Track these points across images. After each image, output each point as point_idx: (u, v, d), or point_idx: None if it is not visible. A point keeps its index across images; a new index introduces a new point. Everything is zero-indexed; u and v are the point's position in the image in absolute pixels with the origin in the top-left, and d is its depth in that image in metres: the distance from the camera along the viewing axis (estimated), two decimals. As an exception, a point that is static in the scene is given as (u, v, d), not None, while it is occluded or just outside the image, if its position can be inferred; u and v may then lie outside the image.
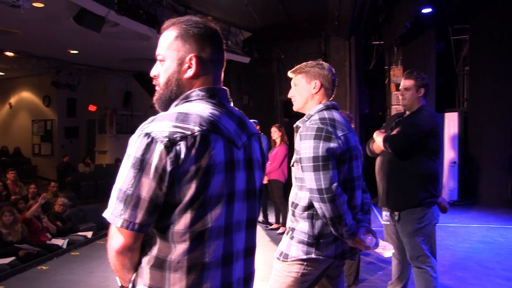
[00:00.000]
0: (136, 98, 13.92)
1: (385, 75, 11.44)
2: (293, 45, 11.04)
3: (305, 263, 2.27)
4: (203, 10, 8.67)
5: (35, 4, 6.66)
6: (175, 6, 8.52)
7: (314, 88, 2.39)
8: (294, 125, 2.44)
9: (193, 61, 1.39)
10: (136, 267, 1.33)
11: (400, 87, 3.51)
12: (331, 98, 2.46)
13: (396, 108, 10.34)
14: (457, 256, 5.72)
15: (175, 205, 1.25)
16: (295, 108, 2.51)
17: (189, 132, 1.24)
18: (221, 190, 1.29)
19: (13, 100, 15.35)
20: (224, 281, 1.33)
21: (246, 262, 1.43)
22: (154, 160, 1.21)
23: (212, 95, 1.40)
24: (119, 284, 1.40)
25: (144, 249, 1.31)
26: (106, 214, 1.26)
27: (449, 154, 10.26)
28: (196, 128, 1.25)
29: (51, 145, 14.39)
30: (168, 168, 1.21)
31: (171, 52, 1.40)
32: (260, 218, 8.17)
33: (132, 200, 1.22)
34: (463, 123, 10.43)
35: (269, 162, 7.46)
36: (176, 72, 1.40)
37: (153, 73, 1.45)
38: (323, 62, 2.46)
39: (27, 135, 14.86)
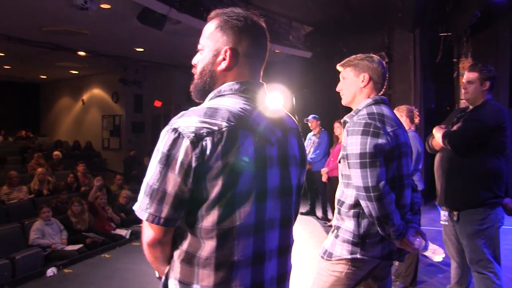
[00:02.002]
0: (200, 94, 14.13)
1: (453, 68, 10.88)
2: (356, 39, 10.75)
3: (349, 263, 2.21)
4: (263, 5, 8.67)
5: (102, 6, 6.96)
6: (236, 2, 8.58)
7: (362, 81, 2.31)
8: (342, 120, 2.37)
9: (228, 54, 1.37)
10: (169, 260, 1.34)
11: (463, 80, 3.32)
12: (381, 92, 2.36)
13: (465, 102, 9.84)
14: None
15: (203, 201, 1.24)
16: (343, 103, 2.44)
17: (216, 128, 1.22)
18: (251, 187, 1.27)
19: (85, 97, 16.15)
20: (255, 280, 1.30)
21: (280, 261, 1.39)
22: (180, 155, 1.21)
23: (246, 89, 1.37)
24: (157, 275, 1.43)
25: (175, 243, 1.33)
26: (135, 207, 1.28)
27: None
28: (224, 124, 1.23)
29: (119, 140, 14.99)
30: (194, 163, 1.20)
31: (209, 42, 1.40)
32: (320, 214, 8.10)
33: (157, 195, 1.23)
34: (539, 119, 9.71)
35: (331, 159, 7.36)
36: (210, 63, 1.39)
37: (193, 61, 1.46)
38: (373, 55, 2.36)
39: (98, 130, 15.56)
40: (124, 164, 12.97)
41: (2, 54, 11.53)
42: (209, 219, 1.24)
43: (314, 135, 8.15)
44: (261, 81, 1.45)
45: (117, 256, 6.02)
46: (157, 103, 14.29)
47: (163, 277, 1.36)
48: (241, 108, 1.30)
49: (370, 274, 2.32)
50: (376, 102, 2.27)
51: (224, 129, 1.23)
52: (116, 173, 11.12)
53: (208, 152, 1.20)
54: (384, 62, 2.37)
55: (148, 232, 1.30)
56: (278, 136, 1.38)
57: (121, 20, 7.98)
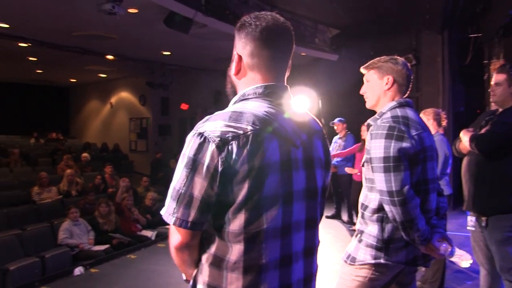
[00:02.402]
0: (226, 97, 14.19)
1: (483, 70, 10.63)
2: (382, 41, 10.61)
3: (373, 268, 2.18)
4: (289, 9, 8.66)
5: (130, 10, 7.09)
6: (261, 5, 8.59)
7: (386, 84, 2.28)
8: (366, 123, 2.35)
9: (235, 58, 1.40)
10: (196, 263, 1.35)
11: (491, 82, 3.24)
12: (406, 95, 2.32)
13: (495, 105, 9.59)
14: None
15: (229, 205, 1.24)
16: (367, 106, 2.41)
17: (241, 132, 1.23)
18: (277, 190, 1.26)
19: (113, 99, 16.43)
20: (282, 282, 1.30)
21: (306, 263, 1.39)
22: (206, 160, 1.21)
23: (271, 93, 1.37)
24: (184, 278, 1.44)
25: (203, 247, 1.33)
26: (162, 212, 1.29)
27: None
28: (249, 127, 1.24)
29: (146, 142, 15.19)
30: (220, 167, 1.21)
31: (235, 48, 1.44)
32: (345, 218, 8.02)
33: (184, 199, 1.24)
34: None
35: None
36: (231, 68, 1.43)
37: None
38: (397, 57, 2.33)
39: (125, 133, 15.81)
40: (150, 166, 13.13)
41: (35, 59, 11.85)
42: (236, 223, 1.25)
43: (340, 138, 8.10)
44: (285, 84, 1.44)
45: (142, 257, 6.10)
46: (184, 106, 14.42)
47: (191, 280, 1.37)
48: (265, 111, 1.30)
49: (394, 280, 2.28)
50: (400, 105, 2.24)
51: (249, 132, 1.23)
52: (143, 175, 11.25)
53: (234, 156, 1.21)
54: (409, 64, 2.33)
55: (176, 236, 1.31)
56: (303, 139, 1.38)
57: (148, 24, 8.09)
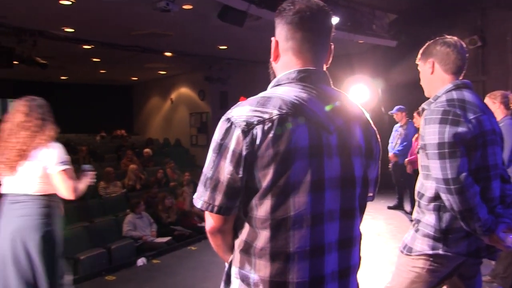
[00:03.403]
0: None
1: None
2: (444, 23, 10.13)
3: (431, 259, 2.07)
4: (344, -4, 8.46)
5: (184, 7, 7.20)
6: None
7: (430, 68, 2.20)
8: (420, 108, 2.24)
9: (273, 44, 1.40)
10: (232, 248, 1.36)
11: None
12: (461, 76, 2.18)
13: None
14: None
15: (256, 191, 1.24)
16: (426, 95, 2.31)
17: (267, 116, 1.22)
18: (305, 176, 1.23)
19: (173, 95, 16.82)
20: (314, 273, 1.26)
21: (342, 255, 1.33)
22: (232, 144, 1.22)
23: (304, 77, 1.33)
24: (226, 264, 1.44)
25: (236, 233, 1.34)
26: (194, 196, 1.31)
27: None
28: (275, 112, 1.22)
29: (206, 136, 15.43)
30: (244, 152, 1.20)
31: None
32: (408, 208, 7.76)
33: (211, 183, 1.25)
34: None
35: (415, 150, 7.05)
36: (271, 54, 1.43)
37: None
38: (443, 37, 2.21)
39: (186, 127, 16.12)
40: (211, 160, 13.33)
41: (98, 60, 12.37)
42: (262, 209, 1.24)
43: (401, 126, 7.85)
44: (323, 69, 1.41)
45: (202, 248, 6.21)
46: (242, 99, 14.46)
47: (227, 266, 1.39)
48: (295, 95, 1.28)
49: (455, 272, 2.16)
50: (457, 87, 2.11)
51: (275, 117, 1.22)
52: (204, 168, 11.46)
53: (258, 140, 1.20)
54: (461, 43, 2.19)
55: (209, 221, 1.34)
56: (338, 125, 1.32)
57: (203, 20, 8.19)
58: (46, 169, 2.95)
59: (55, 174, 2.94)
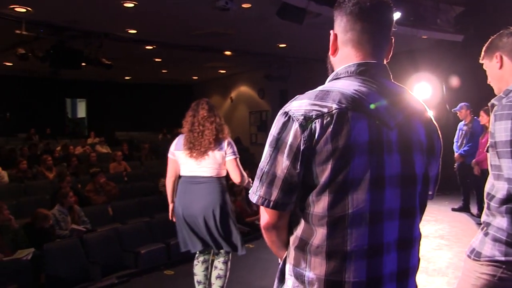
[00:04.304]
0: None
1: None
2: (517, 14, 9.56)
3: (503, 266, 1.91)
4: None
5: (243, 5, 7.25)
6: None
7: (497, 62, 2.06)
8: (489, 103, 2.10)
9: (332, 37, 1.37)
10: (286, 245, 1.34)
11: None
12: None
13: None
14: None
15: (313, 186, 1.21)
16: (496, 93, 2.17)
17: (325, 110, 1.18)
18: (364, 173, 1.19)
19: (233, 94, 17.04)
20: (371, 273, 1.21)
21: (401, 255, 1.28)
22: (290, 138, 1.19)
23: (364, 71, 1.30)
24: (279, 261, 1.43)
25: (291, 229, 1.32)
26: (250, 190, 1.31)
27: None
28: (334, 106, 1.19)
29: (266, 134, 15.37)
30: (302, 147, 1.18)
31: None
32: (474, 211, 7.40)
33: (267, 178, 1.23)
34: None
35: (480, 150, 6.73)
36: (329, 49, 1.41)
37: None
38: (508, 28, 2.05)
39: (245, 126, 16.31)
40: (270, 158, 13.35)
41: (160, 60, 12.73)
42: (319, 206, 1.21)
43: (466, 124, 7.47)
44: (383, 62, 1.36)
45: (260, 246, 6.22)
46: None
47: (281, 263, 1.37)
48: (355, 89, 1.23)
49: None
50: None
51: (334, 111, 1.18)
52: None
53: (317, 135, 1.17)
54: None
55: (264, 216, 1.32)
56: (399, 120, 1.27)
57: (262, 18, 8.21)
58: (224, 157, 3.69)
59: (229, 160, 3.70)
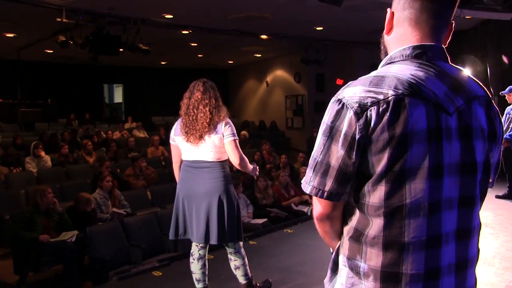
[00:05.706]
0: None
1: None
2: None
3: None
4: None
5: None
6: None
7: None
8: None
9: (388, 15, 1.29)
10: (340, 235, 1.31)
11: None
12: None
13: None
14: None
15: (369, 176, 1.16)
16: None
17: (381, 97, 1.12)
18: (423, 161, 1.13)
19: (269, 78, 16.93)
20: (429, 265, 1.17)
21: (459, 246, 1.22)
22: (344, 127, 1.15)
23: (420, 54, 1.22)
24: (331, 251, 1.41)
25: (345, 219, 1.28)
26: (302, 180, 1.27)
27: None
28: (390, 92, 1.12)
29: (302, 119, 15.36)
30: (358, 135, 1.13)
31: None
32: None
33: (321, 168, 1.19)
34: None
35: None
36: (384, 29, 1.33)
37: None
38: None
39: (281, 110, 16.19)
40: (307, 143, 13.26)
41: (195, 44, 12.75)
42: (376, 196, 1.16)
43: (513, 109, 7.17)
44: (441, 45, 1.27)
45: (298, 232, 6.20)
46: (339, 81, 14.17)
47: (334, 253, 1.34)
48: (412, 74, 1.17)
49: None
50: None
51: (390, 98, 1.12)
52: (299, 151, 11.40)
53: (373, 123, 1.12)
54: None
55: (317, 207, 1.29)
56: (459, 105, 1.20)
57: (300, 0, 8.06)
58: (222, 139, 3.52)
59: (227, 142, 3.52)
